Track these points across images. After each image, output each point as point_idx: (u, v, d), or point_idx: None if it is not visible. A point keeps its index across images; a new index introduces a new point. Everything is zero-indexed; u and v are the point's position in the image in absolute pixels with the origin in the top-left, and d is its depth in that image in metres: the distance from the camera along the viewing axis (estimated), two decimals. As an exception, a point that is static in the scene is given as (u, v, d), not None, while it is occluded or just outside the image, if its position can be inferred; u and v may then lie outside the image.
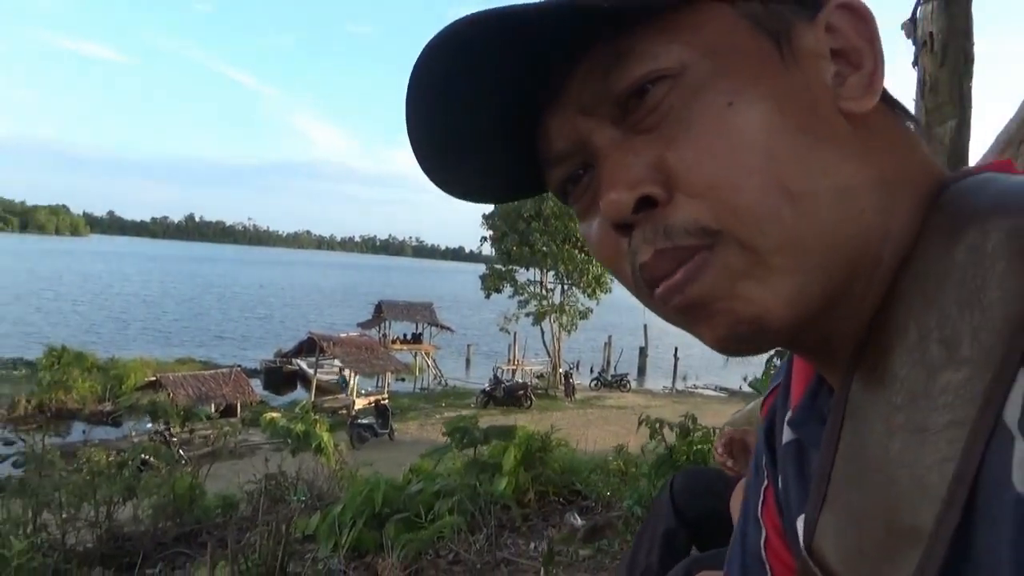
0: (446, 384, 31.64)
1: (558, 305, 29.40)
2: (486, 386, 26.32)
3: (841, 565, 0.46)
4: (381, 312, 33.68)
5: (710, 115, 0.43)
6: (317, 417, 12.58)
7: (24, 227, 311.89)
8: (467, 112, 0.48)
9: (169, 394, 22.09)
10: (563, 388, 28.88)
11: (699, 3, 0.44)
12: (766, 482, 0.67)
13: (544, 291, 29.73)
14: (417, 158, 0.50)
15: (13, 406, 22.87)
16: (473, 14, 0.42)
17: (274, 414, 17.59)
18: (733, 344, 0.45)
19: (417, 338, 34.28)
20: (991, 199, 0.42)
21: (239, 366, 27.16)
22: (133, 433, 19.69)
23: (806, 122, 0.44)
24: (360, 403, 23.84)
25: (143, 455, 6.35)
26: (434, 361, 33.50)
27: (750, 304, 0.43)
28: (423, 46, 0.43)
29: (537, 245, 27.10)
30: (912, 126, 0.51)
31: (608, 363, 36.42)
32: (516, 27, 0.42)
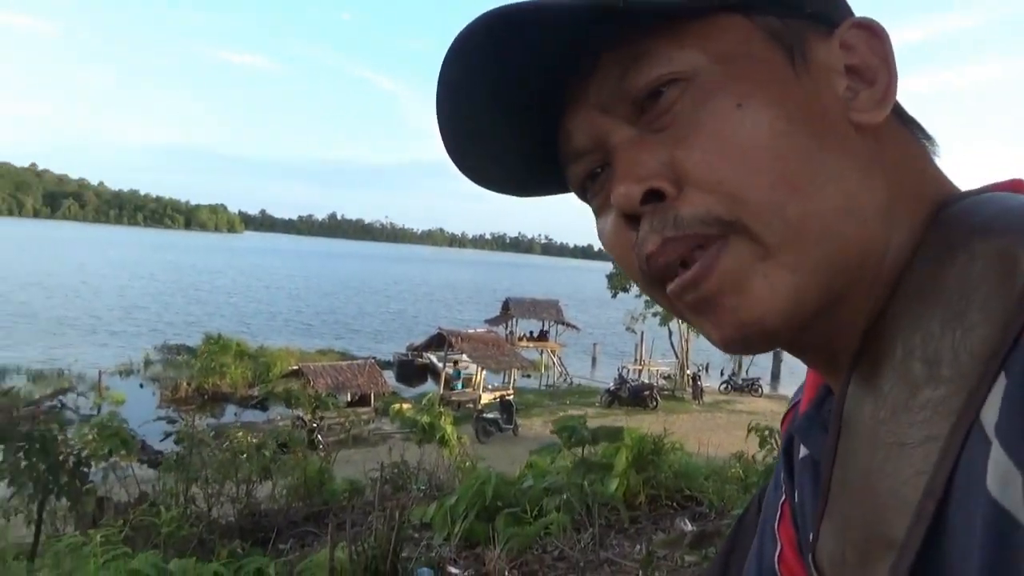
0: (571, 382, 31.71)
1: (686, 305, 28.69)
2: (611, 385, 26.18)
3: (829, 572, 0.49)
4: (508, 309, 34.19)
5: (720, 115, 0.44)
6: (442, 410, 13.00)
7: (188, 224, 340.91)
8: (491, 101, 0.50)
9: (309, 382, 23.52)
10: (691, 390, 28.24)
11: (716, 13, 0.46)
12: (784, 497, 0.67)
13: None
14: (443, 140, 0.52)
15: (176, 388, 25.02)
16: (503, 6, 0.44)
17: (404, 405, 18.34)
18: (741, 343, 0.47)
19: (543, 336, 34.55)
20: (985, 219, 0.43)
21: (373, 358, 28.44)
22: (278, 417, 21.08)
23: (815, 128, 0.45)
24: (486, 398, 24.37)
25: (277, 440, 6.81)
26: (559, 359, 33.65)
27: (754, 300, 0.45)
28: (456, 34, 0.45)
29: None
30: (927, 143, 0.52)
31: (739, 366, 35.23)
32: (540, 23, 0.44)
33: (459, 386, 26.35)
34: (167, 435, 16.52)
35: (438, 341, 29.48)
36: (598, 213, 0.53)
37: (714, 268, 0.45)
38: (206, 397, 24.97)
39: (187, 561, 3.27)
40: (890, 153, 0.48)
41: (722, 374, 32.37)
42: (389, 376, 28.97)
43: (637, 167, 0.46)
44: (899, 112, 0.49)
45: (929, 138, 0.52)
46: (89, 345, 31.65)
